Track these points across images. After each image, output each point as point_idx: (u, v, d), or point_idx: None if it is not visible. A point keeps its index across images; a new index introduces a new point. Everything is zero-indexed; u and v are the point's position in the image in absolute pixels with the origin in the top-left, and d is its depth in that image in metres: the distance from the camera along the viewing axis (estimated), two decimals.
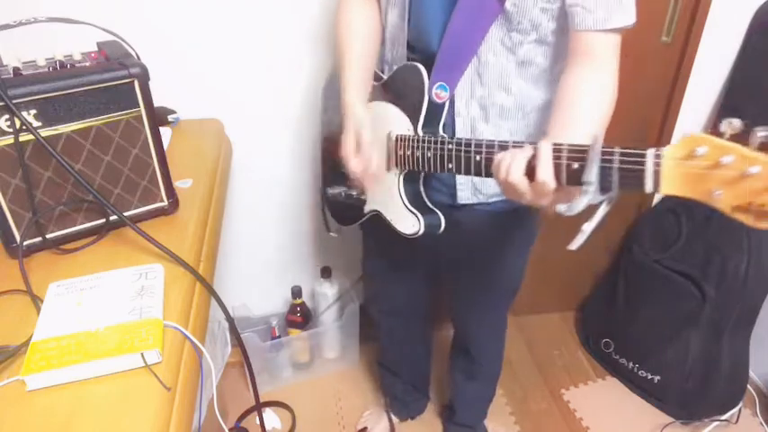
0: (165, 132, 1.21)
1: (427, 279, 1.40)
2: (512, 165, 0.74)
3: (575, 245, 0.70)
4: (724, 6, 1.52)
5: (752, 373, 1.78)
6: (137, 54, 0.84)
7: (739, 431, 1.69)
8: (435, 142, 0.90)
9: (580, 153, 0.69)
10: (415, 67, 0.95)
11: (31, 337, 0.66)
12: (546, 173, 0.71)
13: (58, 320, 0.68)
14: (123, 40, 0.87)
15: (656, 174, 0.62)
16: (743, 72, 1.59)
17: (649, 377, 1.75)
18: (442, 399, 1.77)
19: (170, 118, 1.30)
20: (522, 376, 1.88)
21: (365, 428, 1.68)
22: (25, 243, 0.81)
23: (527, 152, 0.73)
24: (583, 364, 1.94)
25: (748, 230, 1.56)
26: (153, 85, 0.83)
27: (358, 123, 0.98)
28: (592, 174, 0.67)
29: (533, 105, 0.99)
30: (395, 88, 1.01)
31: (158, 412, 0.60)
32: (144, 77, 0.81)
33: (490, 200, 1.07)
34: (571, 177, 0.70)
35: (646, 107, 1.70)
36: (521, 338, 2.02)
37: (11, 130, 0.73)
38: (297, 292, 1.73)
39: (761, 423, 1.72)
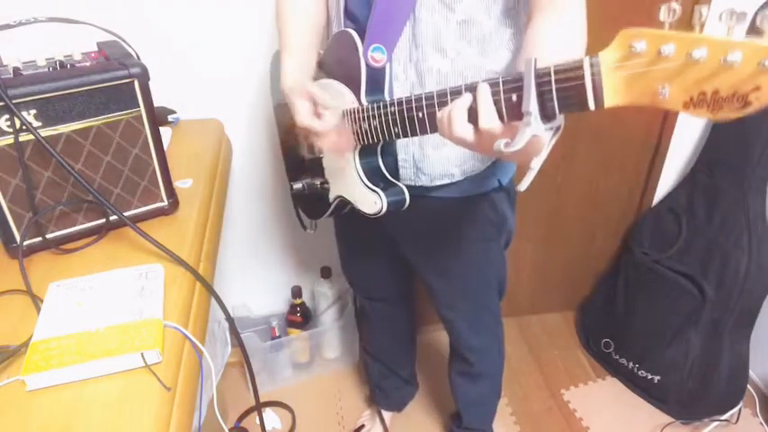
0: (165, 132, 1.21)
1: (399, 265, 1.32)
2: (453, 118, 0.68)
3: (524, 185, 0.65)
4: (724, 6, 1.52)
5: (752, 373, 1.78)
6: (137, 54, 0.84)
7: (739, 431, 1.69)
8: (379, 108, 0.83)
9: (516, 83, 0.62)
10: (346, 33, 0.89)
11: (31, 337, 0.66)
12: (489, 117, 0.65)
13: (58, 320, 0.68)
14: (123, 40, 0.87)
15: (596, 84, 0.55)
16: None
17: (649, 377, 1.75)
18: (444, 401, 1.76)
19: (170, 118, 1.30)
20: (522, 376, 1.88)
21: (362, 426, 1.68)
22: (25, 243, 0.81)
23: (466, 100, 0.67)
24: (583, 364, 1.94)
25: (749, 230, 1.56)
26: (153, 85, 0.83)
27: (307, 87, 0.90)
28: (530, 101, 0.59)
29: (477, 74, 0.91)
30: (332, 61, 0.96)
31: (158, 412, 0.60)
32: (144, 77, 0.81)
33: (434, 182, 1.00)
34: (511, 111, 0.64)
35: (646, 108, 1.69)
36: (521, 338, 2.02)
37: (11, 130, 0.73)
38: (297, 292, 1.73)
39: (761, 423, 1.72)
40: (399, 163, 0.99)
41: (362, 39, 0.88)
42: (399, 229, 1.13)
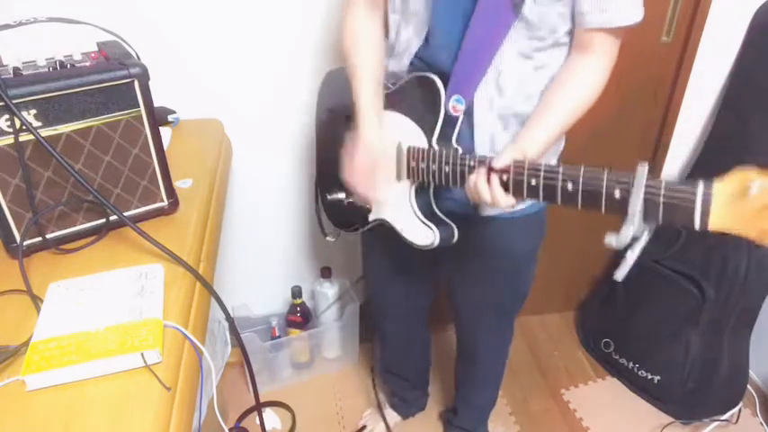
0: (165, 132, 1.21)
1: (429, 281, 1.40)
2: (478, 185, 0.84)
3: (620, 275, 0.74)
4: (724, 6, 1.52)
5: (752, 373, 1.78)
6: (137, 54, 0.84)
7: (739, 431, 1.69)
8: (455, 157, 0.89)
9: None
10: (431, 80, 0.94)
11: (31, 337, 0.66)
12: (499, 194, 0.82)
13: (58, 320, 0.68)
14: (123, 40, 0.87)
15: (705, 210, 0.61)
16: (743, 72, 1.59)
17: (649, 377, 1.75)
18: (444, 401, 1.77)
19: (170, 118, 1.30)
20: (522, 376, 1.88)
21: (364, 427, 1.68)
22: (25, 243, 0.81)
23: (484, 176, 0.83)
24: (583, 364, 1.94)
25: None
26: (153, 85, 0.83)
27: (373, 149, 0.99)
28: (637, 204, 0.67)
29: None
30: (407, 99, 1.00)
31: (158, 412, 0.60)
32: (144, 77, 0.81)
33: (514, 209, 1.07)
34: (529, 192, 0.79)
35: (646, 107, 1.70)
36: (521, 338, 2.02)
37: (11, 130, 0.73)
38: (297, 292, 1.73)
39: (761, 423, 1.72)
40: None
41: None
42: (452, 247, 1.15)
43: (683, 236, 1.67)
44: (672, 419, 1.71)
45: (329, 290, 1.77)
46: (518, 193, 0.81)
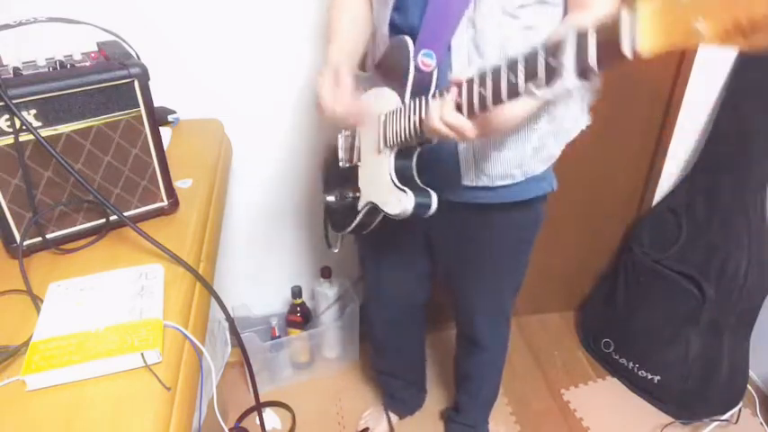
0: (165, 132, 1.21)
1: (426, 275, 1.38)
2: (432, 117, 0.79)
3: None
4: None
5: (752, 373, 1.78)
6: (137, 54, 0.84)
7: (739, 431, 1.69)
8: (420, 104, 0.85)
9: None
10: (400, 39, 0.92)
11: (31, 337, 0.66)
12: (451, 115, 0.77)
13: (58, 320, 0.68)
14: (123, 40, 0.87)
15: (633, 30, 0.53)
16: (743, 72, 1.59)
17: (649, 377, 1.75)
18: (444, 400, 1.77)
19: (170, 118, 1.30)
20: (522, 376, 1.88)
21: (366, 429, 1.68)
22: (25, 243, 0.81)
23: (439, 103, 0.78)
24: (583, 364, 1.94)
25: (749, 230, 1.56)
26: (153, 85, 0.83)
27: (336, 63, 0.97)
28: (565, 53, 0.60)
29: None
30: (384, 68, 0.98)
31: (158, 412, 0.60)
32: (144, 77, 0.81)
33: (495, 183, 1.03)
34: (482, 105, 0.73)
35: (646, 107, 1.70)
36: (521, 338, 2.02)
37: (11, 130, 0.73)
38: (297, 292, 1.73)
39: (761, 423, 1.72)
40: (461, 164, 1.01)
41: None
42: (446, 233, 1.14)
43: (683, 236, 1.68)
44: (672, 419, 1.71)
45: (329, 290, 1.77)
46: (471, 111, 0.75)
